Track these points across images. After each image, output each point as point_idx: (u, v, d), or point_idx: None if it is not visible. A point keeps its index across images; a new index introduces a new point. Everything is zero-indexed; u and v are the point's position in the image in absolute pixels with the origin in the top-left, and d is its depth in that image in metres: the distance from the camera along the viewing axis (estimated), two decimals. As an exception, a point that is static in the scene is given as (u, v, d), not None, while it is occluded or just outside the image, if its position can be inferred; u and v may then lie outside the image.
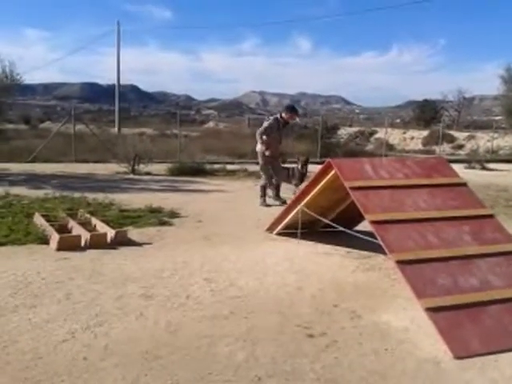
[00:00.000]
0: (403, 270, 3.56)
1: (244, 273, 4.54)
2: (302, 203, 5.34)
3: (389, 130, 27.52)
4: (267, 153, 7.83)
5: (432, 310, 3.31)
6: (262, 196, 8.13)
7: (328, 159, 4.74)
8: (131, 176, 11.96)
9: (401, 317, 3.63)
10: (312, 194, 5.20)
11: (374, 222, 3.93)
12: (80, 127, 17.87)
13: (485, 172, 15.52)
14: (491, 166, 16.97)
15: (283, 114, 7.95)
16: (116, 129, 29.40)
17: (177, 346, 3.08)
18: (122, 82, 34.87)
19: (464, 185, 4.62)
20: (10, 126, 24.25)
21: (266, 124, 7.87)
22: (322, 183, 4.95)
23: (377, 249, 4.72)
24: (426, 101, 44.80)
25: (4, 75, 13.31)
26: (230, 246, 5.52)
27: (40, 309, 3.56)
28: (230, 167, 13.81)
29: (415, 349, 3.15)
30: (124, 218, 6.63)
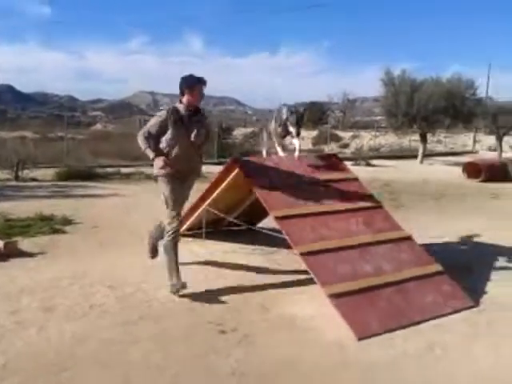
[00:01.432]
0: (307, 261, 3.75)
1: (149, 277, 4.44)
2: (206, 202, 5.35)
3: (280, 130, 28.45)
4: (159, 171, 4.14)
5: (334, 297, 3.54)
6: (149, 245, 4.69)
7: (231, 158, 4.82)
8: (14, 183, 11.03)
9: (306, 306, 3.82)
10: (216, 193, 5.23)
11: (278, 218, 4.08)
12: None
13: (369, 168, 16.74)
14: (374, 162, 18.34)
15: (184, 98, 4.17)
16: (-8, 132, 26.93)
17: (86, 356, 2.94)
18: (-4, 82, 31.81)
19: (356, 179, 4.97)
20: None
21: (151, 121, 4.27)
22: (226, 182, 4.99)
23: (280, 244, 4.90)
24: (313, 103, 47.14)
25: None
26: (132, 251, 5.34)
27: None
28: (124, 170, 13.35)
29: (321, 335, 3.34)
30: (11, 228, 6.12)
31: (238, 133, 29.73)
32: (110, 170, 13.21)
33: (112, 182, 11.62)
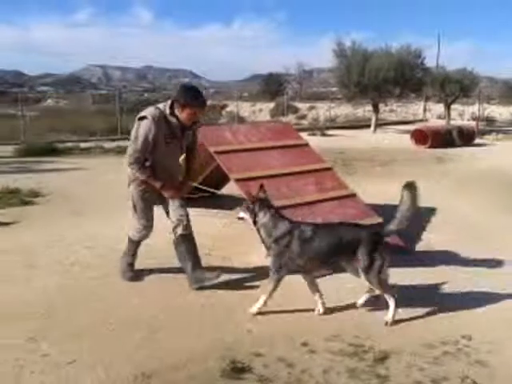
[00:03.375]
0: (264, 217, 4.24)
1: (123, 238, 4.82)
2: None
3: (239, 103, 28.71)
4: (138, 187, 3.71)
5: (289, 246, 4.06)
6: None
7: (192, 128, 5.20)
8: (-26, 160, 11.01)
9: (262, 257, 4.34)
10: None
11: (237, 180, 4.54)
12: None
13: (325, 138, 17.38)
14: (330, 132, 19.03)
15: (176, 109, 3.58)
16: None
17: (72, 303, 3.38)
18: None
19: (306, 145, 5.48)
20: None
21: (140, 131, 3.51)
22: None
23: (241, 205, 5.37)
24: (270, 74, 47.34)
25: None
26: (102, 217, 5.71)
27: None
28: (84, 145, 13.44)
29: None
30: (-20, 201, 6.34)
31: (196, 106, 29.70)
32: (69, 144, 13.26)
33: (72, 157, 11.74)
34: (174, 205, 3.73)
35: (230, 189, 6.11)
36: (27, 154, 11.79)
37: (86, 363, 2.67)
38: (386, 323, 3.18)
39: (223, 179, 6.07)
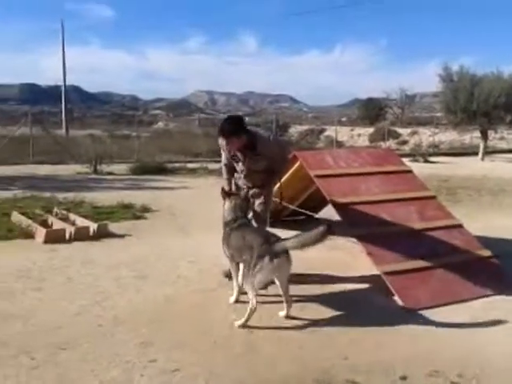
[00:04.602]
0: (363, 243, 4.21)
1: (223, 256, 5.04)
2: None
3: (337, 127, 28.61)
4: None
5: (388, 274, 3.98)
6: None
7: (294, 152, 5.33)
8: (94, 176, 12.17)
9: (359, 282, 4.29)
10: (279, 184, 5.77)
11: (336, 204, 4.56)
12: (23, 130, 17.51)
13: (428, 165, 16.71)
14: (433, 159, 18.25)
15: None
16: (63, 130, 28.95)
17: (177, 313, 3.60)
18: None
19: (409, 172, 5.35)
20: None
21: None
22: (289, 174, 5.53)
23: (339, 232, 5.35)
24: (370, 99, 46.64)
25: None
26: (206, 234, 5.99)
27: (47, 290, 3.97)
28: (190, 165, 14.25)
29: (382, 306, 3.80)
30: (99, 214, 6.98)
31: (294, 130, 30.26)
32: (176, 165, 14.15)
33: (180, 176, 12.51)
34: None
35: (328, 213, 6.11)
36: (140, 172, 12.81)
37: (189, 372, 2.82)
38: (238, 326, 3.33)
39: (321, 203, 6.10)
